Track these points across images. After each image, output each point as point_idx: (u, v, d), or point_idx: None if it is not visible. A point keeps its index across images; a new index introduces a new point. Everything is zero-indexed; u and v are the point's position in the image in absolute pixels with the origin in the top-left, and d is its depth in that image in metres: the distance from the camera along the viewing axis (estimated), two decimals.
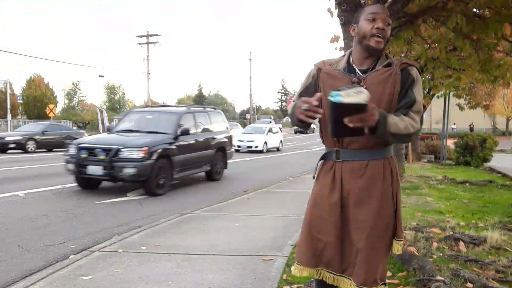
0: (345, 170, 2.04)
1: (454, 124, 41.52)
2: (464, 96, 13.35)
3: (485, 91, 14.57)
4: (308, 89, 2.13)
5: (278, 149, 22.86)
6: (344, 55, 2.14)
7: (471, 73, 7.27)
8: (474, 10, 5.09)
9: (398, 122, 1.89)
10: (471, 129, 40.34)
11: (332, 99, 1.73)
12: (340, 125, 1.78)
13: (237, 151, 18.31)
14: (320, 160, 2.16)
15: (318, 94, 1.90)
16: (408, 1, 4.76)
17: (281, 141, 23.63)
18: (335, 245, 2.05)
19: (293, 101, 2.14)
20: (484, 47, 5.85)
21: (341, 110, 1.74)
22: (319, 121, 2.14)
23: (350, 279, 2.05)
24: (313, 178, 2.20)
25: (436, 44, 6.61)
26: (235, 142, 17.60)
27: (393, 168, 2.06)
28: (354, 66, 2.05)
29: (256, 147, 20.95)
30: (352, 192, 2.02)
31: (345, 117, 1.74)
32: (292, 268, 2.20)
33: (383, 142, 2.01)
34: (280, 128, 29.74)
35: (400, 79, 1.98)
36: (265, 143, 21.56)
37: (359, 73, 2.02)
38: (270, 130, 22.73)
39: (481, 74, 6.99)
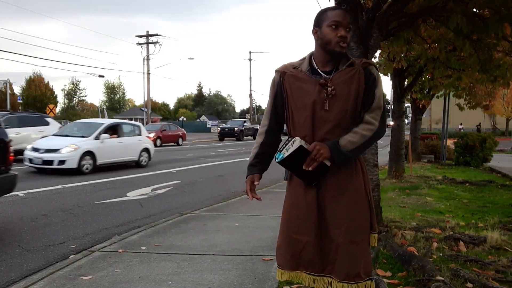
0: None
1: (461, 124, 41.55)
2: (464, 96, 13.33)
3: (485, 91, 14.54)
4: (277, 100, 2.21)
5: (137, 163, 13.29)
6: (304, 58, 2.19)
7: (471, 73, 7.26)
8: (474, 10, 5.09)
9: (351, 139, 2.02)
10: (478, 130, 40.34)
11: (277, 160, 2.04)
12: (305, 174, 2.03)
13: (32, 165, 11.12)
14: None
15: (256, 183, 2.24)
16: (408, 1, 4.76)
17: (145, 151, 13.70)
18: (315, 243, 2.08)
19: (258, 134, 2.30)
20: (484, 47, 5.85)
21: (291, 162, 2.01)
22: (286, 123, 2.23)
23: (331, 277, 2.07)
24: (285, 179, 2.27)
25: (436, 44, 6.61)
26: (27, 151, 11.27)
27: (362, 164, 2.17)
28: (317, 68, 2.11)
29: (61, 162, 10.84)
30: (327, 188, 2.08)
31: (302, 166, 1.99)
32: (277, 270, 2.22)
33: None
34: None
35: (363, 77, 2.07)
36: (86, 155, 11.26)
37: (324, 74, 2.09)
38: (110, 130, 12.41)
39: (481, 74, 6.99)
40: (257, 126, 41.08)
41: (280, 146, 2.05)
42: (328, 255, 2.08)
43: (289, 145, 1.99)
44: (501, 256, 3.98)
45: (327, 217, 2.08)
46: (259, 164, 2.26)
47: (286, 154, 1.98)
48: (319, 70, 2.10)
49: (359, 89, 2.06)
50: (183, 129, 31.13)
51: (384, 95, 2.20)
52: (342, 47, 2.04)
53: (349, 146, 2.00)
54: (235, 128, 35.63)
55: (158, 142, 25.43)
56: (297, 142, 1.98)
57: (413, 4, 5.02)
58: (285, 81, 2.15)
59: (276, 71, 2.21)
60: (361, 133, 2.03)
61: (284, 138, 2.19)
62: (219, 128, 38.53)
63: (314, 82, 2.07)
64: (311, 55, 2.17)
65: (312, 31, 2.13)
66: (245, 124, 37.17)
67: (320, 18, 2.09)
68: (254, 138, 11.66)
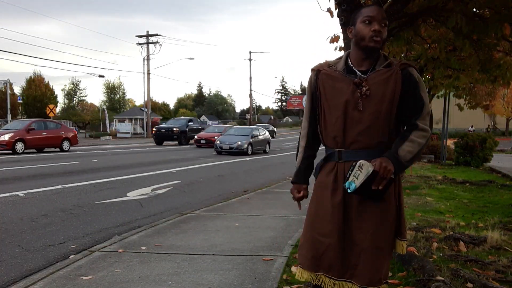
0: (347, 170, 2.02)
1: (472, 126, 41.58)
2: (464, 96, 13.33)
3: (485, 91, 14.54)
4: (314, 100, 2.16)
5: None
6: (341, 57, 2.15)
7: (471, 73, 7.27)
8: (474, 10, 5.08)
9: (410, 149, 1.96)
10: (488, 131, 40.41)
11: (349, 191, 1.92)
12: (375, 193, 1.94)
13: None
14: (321, 161, 2.16)
15: (303, 193, 2.24)
16: (408, 1, 4.75)
17: None
18: (337, 246, 2.03)
19: (301, 137, 2.26)
20: (484, 47, 5.85)
21: (363, 189, 1.90)
22: (318, 123, 2.17)
23: (352, 282, 2.02)
24: (314, 176, 2.22)
25: (436, 44, 6.60)
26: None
27: None
28: (353, 67, 2.06)
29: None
30: None
31: (371, 189, 1.91)
32: (295, 268, 2.20)
33: (385, 142, 2.02)
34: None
35: (401, 79, 1.99)
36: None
37: (359, 73, 2.02)
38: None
39: (481, 74, 7.00)
40: (205, 126, 35.32)
41: (347, 175, 1.94)
42: (350, 259, 2.02)
43: (355, 171, 1.89)
44: (501, 256, 3.98)
45: (352, 221, 2.02)
46: (307, 170, 2.26)
47: (358, 183, 1.88)
48: (354, 69, 2.05)
49: (395, 91, 1.98)
50: (73, 129, 24.23)
51: None
52: (376, 42, 1.97)
53: (407, 156, 1.95)
54: (175, 129, 27.75)
55: (20, 146, 18.30)
56: (366, 167, 1.88)
57: (413, 4, 5.02)
58: (319, 79, 2.10)
59: (312, 69, 2.17)
60: (418, 142, 1.97)
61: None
62: (154, 129, 29.82)
63: (348, 82, 2.01)
64: (347, 54, 2.12)
65: (347, 30, 2.09)
66: (190, 124, 29.37)
67: (355, 16, 2.05)
68: None
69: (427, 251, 4.01)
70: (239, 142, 20.17)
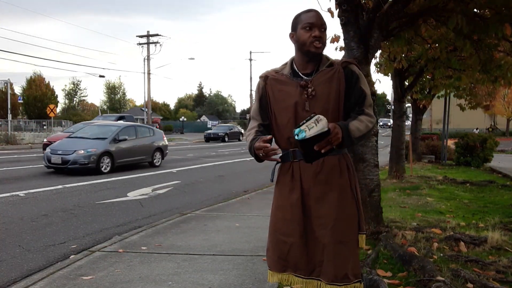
0: (303, 168, 2.10)
1: (477, 129, 41.61)
2: (465, 96, 13.34)
3: (486, 91, 14.55)
4: (262, 102, 2.22)
5: None
6: (286, 63, 2.23)
7: (472, 73, 7.27)
8: (475, 10, 5.08)
9: (358, 126, 2.02)
10: (489, 131, 40.50)
11: (297, 137, 1.86)
12: (312, 153, 1.92)
13: None
14: (277, 163, 2.20)
15: (268, 137, 2.04)
16: (409, 2, 4.75)
17: None
18: (300, 245, 2.08)
19: (249, 132, 2.22)
20: (485, 47, 5.85)
21: (308, 142, 1.87)
22: (270, 126, 2.21)
23: (320, 280, 2.06)
24: (271, 181, 2.27)
25: (437, 44, 6.60)
26: None
27: (348, 162, 2.15)
28: (298, 71, 2.15)
29: None
30: (312, 188, 2.08)
31: (314, 146, 1.87)
32: (268, 272, 2.22)
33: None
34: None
35: (344, 76, 2.09)
36: None
37: (304, 76, 2.12)
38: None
39: (482, 74, 6.99)
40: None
41: (300, 122, 1.90)
42: (315, 257, 2.07)
43: (310, 122, 1.85)
44: (501, 256, 3.98)
45: (312, 218, 2.08)
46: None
47: (309, 134, 1.83)
48: (299, 73, 2.14)
49: (339, 89, 2.08)
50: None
51: (384, 95, 2.21)
52: (317, 47, 2.06)
53: (356, 133, 2.00)
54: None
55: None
56: (323, 122, 1.85)
57: (413, 4, 5.02)
58: (267, 85, 2.18)
59: (260, 76, 2.25)
60: (365, 123, 2.05)
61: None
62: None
63: (295, 85, 2.10)
64: (292, 60, 2.21)
65: (289, 35, 2.17)
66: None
67: (295, 22, 2.13)
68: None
69: (427, 252, 4.00)
70: (82, 151, 11.10)
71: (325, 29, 2.09)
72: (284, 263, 2.12)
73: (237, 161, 16.66)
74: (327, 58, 2.16)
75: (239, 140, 35.98)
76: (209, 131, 37.53)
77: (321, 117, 1.88)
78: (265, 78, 2.21)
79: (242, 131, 37.58)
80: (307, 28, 2.05)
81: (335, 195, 2.06)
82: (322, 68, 2.11)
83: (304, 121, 1.87)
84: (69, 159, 10.97)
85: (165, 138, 14.79)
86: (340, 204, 2.06)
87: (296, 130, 1.87)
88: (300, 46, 2.10)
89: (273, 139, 2.19)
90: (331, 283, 2.02)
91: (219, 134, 34.60)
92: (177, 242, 4.63)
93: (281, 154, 2.18)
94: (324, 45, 2.10)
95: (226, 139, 34.38)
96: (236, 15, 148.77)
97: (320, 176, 2.07)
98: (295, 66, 2.17)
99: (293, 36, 2.13)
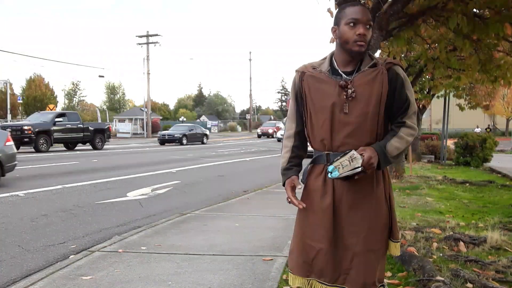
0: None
1: (478, 126, 41.67)
2: (464, 96, 13.36)
3: (485, 91, 14.58)
4: (299, 102, 2.12)
5: None
6: (325, 58, 2.10)
7: (471, 73, 7.27)
8: (474, 10, 5.09)
9: (398, 145, 1.95)
10: (489, 131, 40.54)
11: (330, 176, 1.88)
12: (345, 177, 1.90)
13: None
14: (309, 164, 2.13)
15: (298, 187, 2.08)
16: (408, 1, 4.76)
17: None
18: (328, 251, 2.00)
19: (285, 143, 2.19)
20: (484, 47, 5.85)
21: (342, 178, 1.88)
22: (305, 125, 2.13)
23: (344, 287, 2.01)
24: (302, 182, 2.16)
25: (436, 44, 6.61)
26: None
27: (384, 170, 2.05)
28: (338, 68, 2.02)
29: None
30: (346, 195, 1.99)
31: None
32: (288, 275, 2.19)
33: (372, 143, 1.98)
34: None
35: (387, 79, 1.96)
36: None
37: (344, 75, 1.99)
38: None
39: (481, 74, 6.99)
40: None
41: (334, 158, 1.88)
42: (342, 264, 2.00)
43: (344, 159, 1.82)
44: (501, 256, 3.98)
45: (343, 225, 1.99)
46: (294, 167, 2.15)
47: (342, 175, 1.84)
48: (339, 71, 2.00)
49: (382, 91, 1.94)
50: None
51: None
52: (361, 46, 1.93)
53: (394, 152, 1.93)
54: (26, 127, 18.95)
55: None
56: (358, 160, 1.82)
57: (413, 4, 5.02)
58: (304, 82, 2.05)
59: (296, 71, 2.12)
60: (406, 139, 1.96)
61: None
62: None
63: (334, 84, 1.97)
64: (332, 55, 2.07)
65: (331, 29, 2.04)
66: (57, 120, 20.63)
67: (339, 16, 1.99)
68: None
69: (427, 251, 4.00)
70: None
71: (370, 25, 1.96)
72: (309, 268, 2.05)
73: (237, 161, 16.66)
74: (371, 57, 2.03)
75: (203, 143, 30.66)
76: (165, 131, 31.97)
77: (356, 154, 1.83)
78: (301, 74, 2.07)
79: (207, 132, 32.80)
80: (351, 25, 1.92)
81: (370, 203, 1.98)
82: (365, 67, 1.98)
83: (338, 157, 1.85)
84: None
85: (9, 143, 9.23)
86: (374, 213, 1.99)
87: (330, 168, 1.86)
88: (343, 43, 1.96)
89: (307, 140, 2.15)
90: None
91: (175, 136, 29.20)
92: (177, 242, 4.63)
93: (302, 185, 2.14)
94: (368, 43, 1.97)
95: (184, 141, 29.03)
96: (236, 15, 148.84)
97: (355, 182, 1.95)
98: (335, 63, 2.03)
99: (336, 31, 2.00)
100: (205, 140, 31.12)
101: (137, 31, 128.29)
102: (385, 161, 1.91)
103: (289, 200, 2.07)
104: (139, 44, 40.60)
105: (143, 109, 45.07)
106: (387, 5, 4.57)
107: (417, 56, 8.23)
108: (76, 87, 73.77)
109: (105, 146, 23.53)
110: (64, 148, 22.03)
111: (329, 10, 5.03)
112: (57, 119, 20.63)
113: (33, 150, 19.42)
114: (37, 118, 21.05)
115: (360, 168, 1.82)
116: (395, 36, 5.31)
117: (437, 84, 10.32)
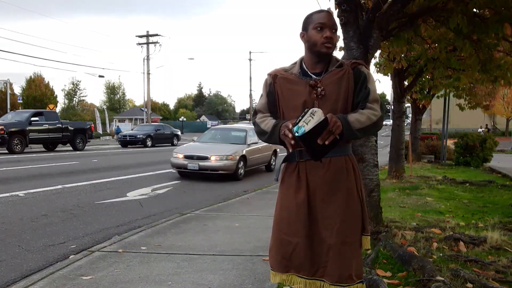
0: (309, 168, 2.09)
1: (481, 127, 41.71)
2: (464, 96, 13.36)
3: (485, 91, 14.59)
4: (269, 97, 2.22)
5: None
6: (295, 62, 2.23)
7: (471, 73, 7.26)
8: (474, 10, 5.08)
9: (358, 117, 2.02)
10: (487, 131, 40.58)
11: (297, 134, 1.87)
12: (317, 148, 1.91)
13: None
14: (282, 162, 2.21)
15: (290, 126, 1.97)
16: (408, 1, 4.76)
17: None
18: (305, 245, 2.07)
19: (261, 117, 2.20)
20: (484, 47, 5.85)
21: (310, 137, 1.87)
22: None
23: (323, 280, 2.06)
24: (276, 180, 2.25)
25: (436, 44, 6.60)
26: None
27: (354, 164, 2.15)
28: (308, 70, 2.16)
29: None
30: (319, 189, 2.07)
31: (317, 140, 1.88)
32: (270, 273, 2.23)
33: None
34: None
35: (352, 77, 2.10)
36: None
37: (313, 76, 2.12)
38: None
39: (481, 74, 6.99)
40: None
41: (295, 120, 1.90)
42: (319, 257, 2.07)
43: (307, 117, 1.87)
44: (501, 256, 3.98)
45: (318, 218, 2.07)
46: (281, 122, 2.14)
47: (308, 128, 1.85)
48: (309, 72, 2.14)
49: (348, 89, 2.08)
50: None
51: (384, 95, 2.20)
52: (328, 48, 2.07)
53: (356, 125, 1.99)
54: None
55: None
56: (319, 113, 1.88)
57: (413, 4, 5.02)
58: (276, 83, 2.18)
59: (268, 74, 2.25)
60: (367, 115, 2.02)
61: None
62: None
63: (305, 84, 2.10)
64: (301, 59, 2.21)
65: (300, 35, 2.17)
66: (33, 119, 19.25)
67: (307, 22, 2.14)
68: None
69: (427, 251, 4.01)
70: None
71: (336, 29, 2.10)
72: (287, 263, 2.12)
73: None
74: (337, 59, 2.18)
75: (173, 144, 26.52)
76: (126, 132, 27.76)
77: (315, 109, 1.90)
78: (273, 76, 2.21)
79: (178, 133, 29.33)
80: (319, 29, 2.07)
81: (342, 196, 2.06)
82: (332, 68, 2.12)
83: (300, 117, 1.88)
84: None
85: None
86: (346, 205, 2.06)
87: (295, 128, 1.87)
88: (311, 46, 2.11)
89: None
90: (335, 284, 2.02)
91: (138, 136, 25.45)
92: (177, 242, 4.63)
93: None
94: (334, 45, 2.11)
95: (149, 143, 25.39)
96: (236, 15, 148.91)
97: (326, 176, 2.06)
98: (304, 66, 2.18)
99: (304, 35, 2.14)
100: (175, 142, 27.57)
101: (137, 31, 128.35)
102: (348, 129, 1.96)
103: (285, 137, 2.02)
104: (139, 44, 40.59)
105: (143, 109, 45.05)
106: (387, 5, 4.56)
107: (417, 56, 8.23)
108: (76, 87, 73.78)
109: (105, 146, 23.24)
110: (44, 149, 20.77)
111: (328, 10, 5.02)
112: (33, 119, 19.20)
113: (6, 151, 17.87)
114: (11, 118, 19.62)
115: (323, 118, 1.85)
116: (395, 36, 5.30)
117: (437, 84, 10.32)
